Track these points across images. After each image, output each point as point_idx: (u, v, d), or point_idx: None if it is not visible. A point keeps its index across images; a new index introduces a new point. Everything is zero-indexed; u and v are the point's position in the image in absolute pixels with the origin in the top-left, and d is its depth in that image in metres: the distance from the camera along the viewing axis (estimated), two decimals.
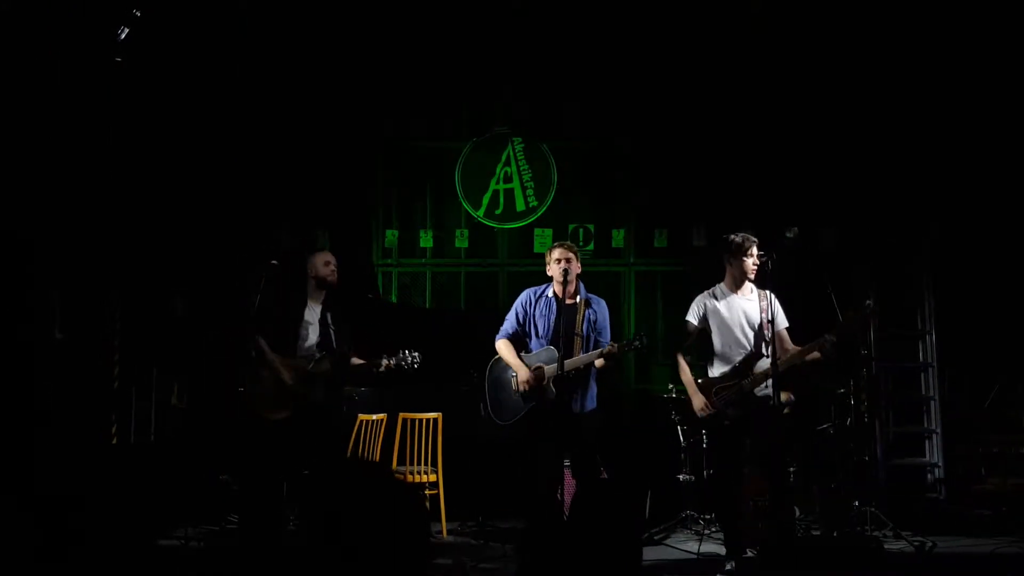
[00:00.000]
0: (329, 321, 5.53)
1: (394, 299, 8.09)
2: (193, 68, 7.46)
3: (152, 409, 7.24)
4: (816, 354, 5.08)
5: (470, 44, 8.13)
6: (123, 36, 6.11)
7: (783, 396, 5.28)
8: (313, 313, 5.58)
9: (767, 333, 5.13)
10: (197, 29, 7.30)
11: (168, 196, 7.51)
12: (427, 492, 6.13)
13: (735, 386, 5.13)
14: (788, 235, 7.61)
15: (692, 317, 5.33)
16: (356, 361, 5.59)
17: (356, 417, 6.25)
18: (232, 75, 7.67)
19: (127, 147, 7.32)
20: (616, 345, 5.15)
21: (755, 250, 5.20)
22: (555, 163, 8.16)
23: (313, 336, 5.53)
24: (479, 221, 8.18)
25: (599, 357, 5.15)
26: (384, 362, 5.52)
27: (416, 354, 5.55)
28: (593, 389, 5.31)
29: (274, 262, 5.62)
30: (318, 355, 5.47)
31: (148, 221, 7.39)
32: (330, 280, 5.59)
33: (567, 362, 5.09)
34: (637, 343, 5.18)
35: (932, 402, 7.38)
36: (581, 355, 5.18)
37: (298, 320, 5.48)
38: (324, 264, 5.60)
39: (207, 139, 7.67)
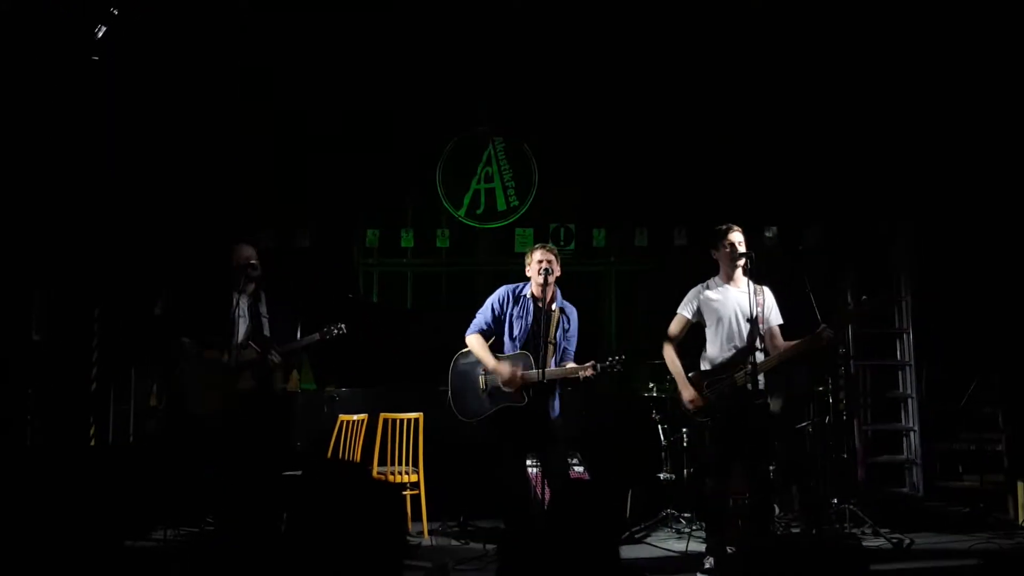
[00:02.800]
0: (263, 312, 5.64)
1: (375, 298, 8.07)
2: (176, 67, 7.42)
3: (131, 410, 7.20)
4: (816, 346, 5.06)
5: (452, 44, 8.13)
6: (100, 35, 6.06)
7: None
8: (243, 304, 5.69)
9: (761, 327, 5.12)
10: (180, 28, 7.27)
11: (148, 196, 7.46)
12: (408, 492, 6.12)
13: (727, 380, 5.12)
14: (767, 235, 7.66)
15: (685, 310, 5.31)
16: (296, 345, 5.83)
17: (336, 417, 6.23)
18: (215, 74, 7.64)
19: (109, 148, 7.27)
20: (598, 366, 5.06)
21: (735, 235, 5.20)
22: (536, 163, 8.17)
23: (243, 327, 5.67)
24: (460, 221, 8.18)
25: (576, 374, 5.11)
26: (316, 336, 5.75)
27: (342, 325, 5.76)
28: (558, 396, 5.34)
29: (253, 262, 5.65)
30: (247, 345, 5.61)
31: (128, 222, 7.35)
32: (251, 275, 5.66)
33: (548, 371, 5.09)
34: (616, 368, 5.08)
35: (910, 400, 7.44)
36: (558, 367, 5.17)
37: (225, 313, 5.54)
38: (244, 257, 5.67)
39: (189, 139, 7.63)
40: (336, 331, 5.75)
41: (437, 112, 8.25)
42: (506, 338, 5.28)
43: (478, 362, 5.28)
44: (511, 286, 5.40)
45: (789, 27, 7.45)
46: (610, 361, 5.08)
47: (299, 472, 5.74)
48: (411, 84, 8.15)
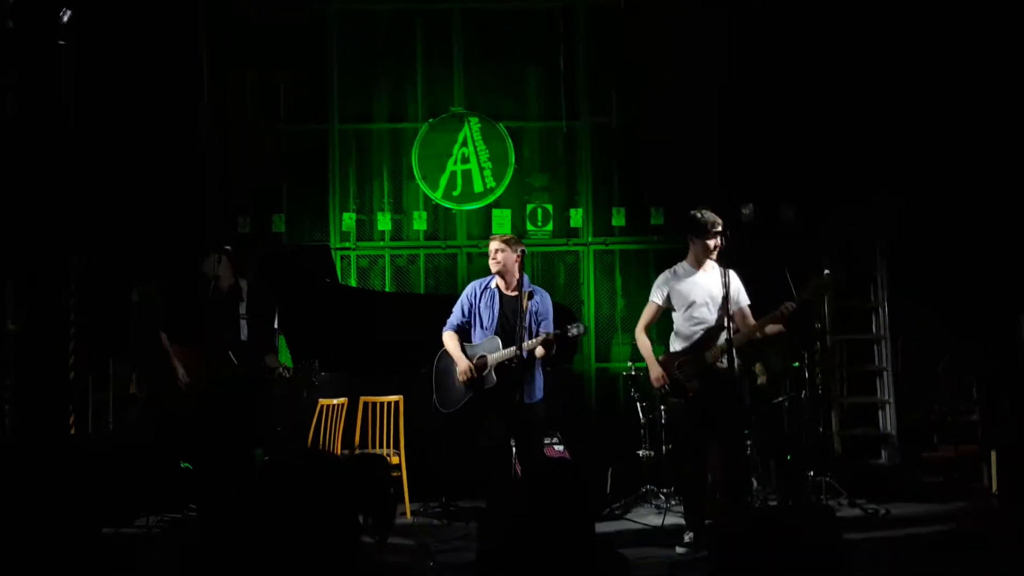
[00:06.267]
0: (242, 312, 5.62)
1: (353, 283, 8.06)
2: (149, 51, 7.36)
3: (110, 399, 7.16)
4: (779, 326, 5.15)
5: (427, 23, 8.12)
6: (66, 19, 5.99)
7: (757, 368, 5.34)
8: (223, 305, 5.69)
9: (730, 308, 5.20)
10: (153, 9, 7.21)
11: (124, 183, 7.41)
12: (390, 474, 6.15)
13: (697, 359, 5.20)
14: (744, 211, 7.69)
15: (656, 296, 5.41)
16: (271, 364, 5.82)
17: (316, 402, 6.24)
18: (189, 59, 7.58)
19: (83, 133, 7.20)
20: (553, 333, 5.24)
21: (719, 230, 5.25)
22: (512, 143, 8.16)
23: (224, 327, 5.68)
24: (437, 203, 8.17)
25: (538, 345, 5.25)
26: (279, 370, 5.76)
27: (315, 363, 5.79)
28: (538, 380, 5.42)
29: (228, 247, 5.64)
30: (223, 350, 5.63)
31: (105, 208, 7.29)
32: (223, 284, 5.65)
33: (502, 353, 5.26)
34: (575, 331, 5.28)
35: (885, 373, 7.52)
36: (525, 343, 5.25)
37: (200, 311, 5.53)
38: (208, 271, 5.65)
39: (164, 125, 7.58)
40: (311, 372, 5.74)
41: (413, 93, 8.25)
42: (477, 328, 5.49)
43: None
44: (479, 280, 5.63)
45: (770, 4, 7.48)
46: (565, 328, 5.25)
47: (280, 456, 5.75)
48: (387, 66, 8.14)
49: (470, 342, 5.52)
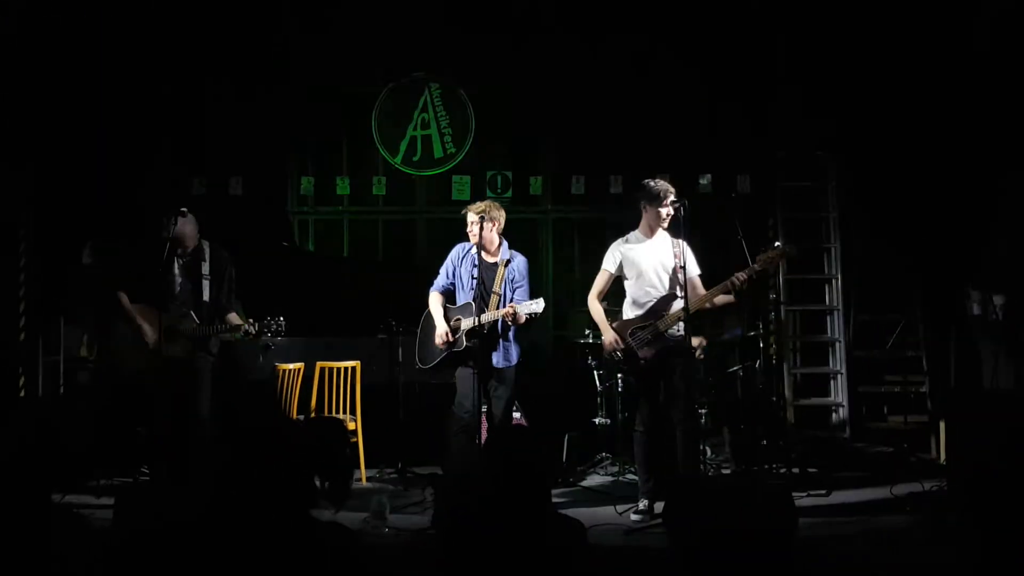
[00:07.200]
0: (204, 272, 5.55)
1: (311, 247, 7.99)
2: (105, 7, 7.18)
3: (61, 361, 7.05)
4: (729, 297, 5.22)
5: None
6: None
7: (695, 341, 5.43)
8: (181, 266, 5.62)
9: (680, 277, 5.26)
10: None
11: (77, 141, 7.24)
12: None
13: (649, 327, 5.25)
14: (701, 182, 7.74)
15: (608, 264, 5.46)
16: (234, 320, 5.65)
17: (273, 366, 6.20)
18: (146, 13, 7.40)
19: (33, 90, 7.02)
20: (513, 307, 5.25)
21: (672, 199, 5.29)
22: (473, 109, 8.09)
23: (180, 289, 5.59)
24: (397, 168, 8.09)
25: (499, 316, 5.27)
26: (245, 327, 5.62)
27: (281, 319, 5.61)
28: (513, 347, 5.44)
29: (183, 209, 5.55)
30: (184, 309, 5.54)
31: (56, 168, 7.13)
32: (186, 245, 5.57)
33: (466, 322, 5.31)
34: (529, 313, 5.26)
35: (837, 344, 7.64)
36: (486, 313, 5.31)
37: (165, 273, 5.44)
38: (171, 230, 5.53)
39: (120, 83, 7.41)
40: (275, 326, 5.61)
41: (372, 57, 8.13)
42: (459, 292, 5.54)
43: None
44: (463, 244, 5.61)
45: None
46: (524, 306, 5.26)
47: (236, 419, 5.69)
48: (348, 27, 8.00)
49: (455, 303, 5.56)
